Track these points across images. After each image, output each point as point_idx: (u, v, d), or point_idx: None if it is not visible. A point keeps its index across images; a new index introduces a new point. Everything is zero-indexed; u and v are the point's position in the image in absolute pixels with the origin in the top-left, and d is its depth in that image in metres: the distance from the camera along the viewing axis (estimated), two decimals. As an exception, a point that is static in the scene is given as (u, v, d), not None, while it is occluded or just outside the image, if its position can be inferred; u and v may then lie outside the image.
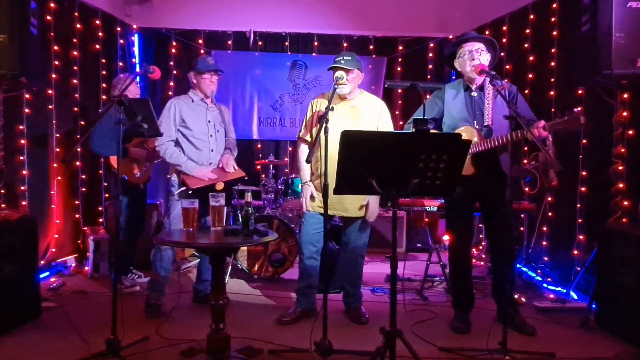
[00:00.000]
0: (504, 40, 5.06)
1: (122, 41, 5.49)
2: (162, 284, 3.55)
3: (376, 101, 3.43)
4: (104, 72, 5.16)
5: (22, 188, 4.13)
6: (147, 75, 3.25)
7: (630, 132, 3.50)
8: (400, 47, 6.13)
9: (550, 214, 4.36)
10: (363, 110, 3.33)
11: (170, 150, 3.53)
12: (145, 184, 4.35)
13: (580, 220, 4.02)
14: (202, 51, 5.95)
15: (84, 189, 4.92)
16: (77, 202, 4.87)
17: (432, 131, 3.18)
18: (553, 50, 4.38)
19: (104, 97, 5.11)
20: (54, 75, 4.54)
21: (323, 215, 3.20)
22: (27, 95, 4.15)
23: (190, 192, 3.41)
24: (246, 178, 3.93)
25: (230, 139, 3.84)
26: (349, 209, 3.33)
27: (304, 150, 3.47)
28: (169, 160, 3.55)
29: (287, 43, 6.07)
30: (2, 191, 3.85)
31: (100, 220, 5.05)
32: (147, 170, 4.22)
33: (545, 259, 4.43)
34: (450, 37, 5.94)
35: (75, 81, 4.81)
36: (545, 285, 4.16)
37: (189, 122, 3.56)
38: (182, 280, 4.34)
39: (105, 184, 5.11)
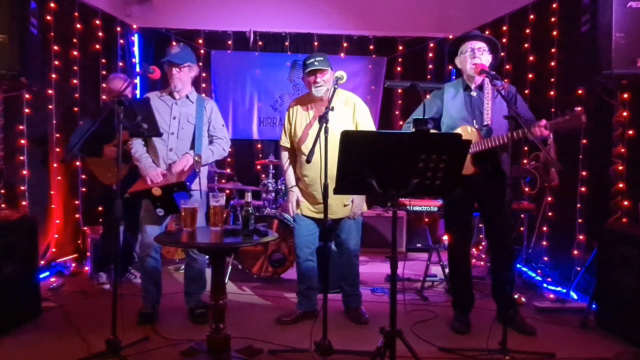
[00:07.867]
0: (504, 40, 5.06)
1: (122, 41, 5.49)
2: (147, 292, 3.44)
3: (351, 97, 3.41)
4: (104, 72, 5.15)
5: (22, 188, 4.14)
6: (147, 75, 3.24)
7: (630, 132, 3.50)
8: (400, 47, 6.12)
9: (550, 214, 4.36)
10: (340, 108, 3.30)
11: (135, 148, 3.38)
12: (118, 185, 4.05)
13: (580, 220, 4.01)
14: (202, 51, 5.95)
15: (84, 189, 4.92)
16: (77, 202, 4.87)
17: (431, 131, 3.18)
18: (553, 50, 4.37)
19: (104, 97, 5.10)
20: (54, 75, 4.54)
21: (314, 219, 3.30)
22: (27, 95, 4.16)
23: (126, 195, 3.07)
24: (187, 183, 3.13)
25: (215, 139, 3.47)
26: (333, 210, 3.28)
27: (285, 156, 3.48)
28: (133, 157, 3.37)
29: (287, 43, 6.07)
30: (2, 191, 3.86)
31: (100, 220, 5.04)
32: (120, 171, 4.01)
33: (545, 259, 4.42)
34: (450, 37, 5.93)
35: (75, 81, 4.81)
36: (545, 285, 4.16)
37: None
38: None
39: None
